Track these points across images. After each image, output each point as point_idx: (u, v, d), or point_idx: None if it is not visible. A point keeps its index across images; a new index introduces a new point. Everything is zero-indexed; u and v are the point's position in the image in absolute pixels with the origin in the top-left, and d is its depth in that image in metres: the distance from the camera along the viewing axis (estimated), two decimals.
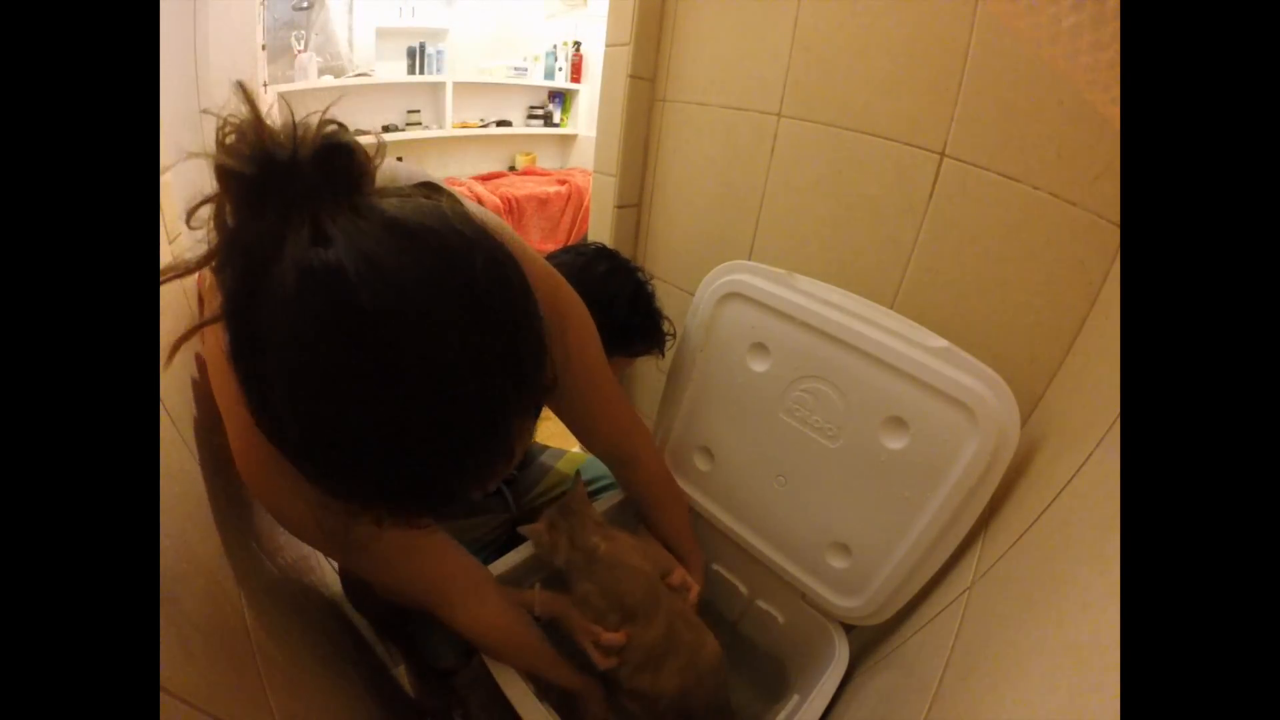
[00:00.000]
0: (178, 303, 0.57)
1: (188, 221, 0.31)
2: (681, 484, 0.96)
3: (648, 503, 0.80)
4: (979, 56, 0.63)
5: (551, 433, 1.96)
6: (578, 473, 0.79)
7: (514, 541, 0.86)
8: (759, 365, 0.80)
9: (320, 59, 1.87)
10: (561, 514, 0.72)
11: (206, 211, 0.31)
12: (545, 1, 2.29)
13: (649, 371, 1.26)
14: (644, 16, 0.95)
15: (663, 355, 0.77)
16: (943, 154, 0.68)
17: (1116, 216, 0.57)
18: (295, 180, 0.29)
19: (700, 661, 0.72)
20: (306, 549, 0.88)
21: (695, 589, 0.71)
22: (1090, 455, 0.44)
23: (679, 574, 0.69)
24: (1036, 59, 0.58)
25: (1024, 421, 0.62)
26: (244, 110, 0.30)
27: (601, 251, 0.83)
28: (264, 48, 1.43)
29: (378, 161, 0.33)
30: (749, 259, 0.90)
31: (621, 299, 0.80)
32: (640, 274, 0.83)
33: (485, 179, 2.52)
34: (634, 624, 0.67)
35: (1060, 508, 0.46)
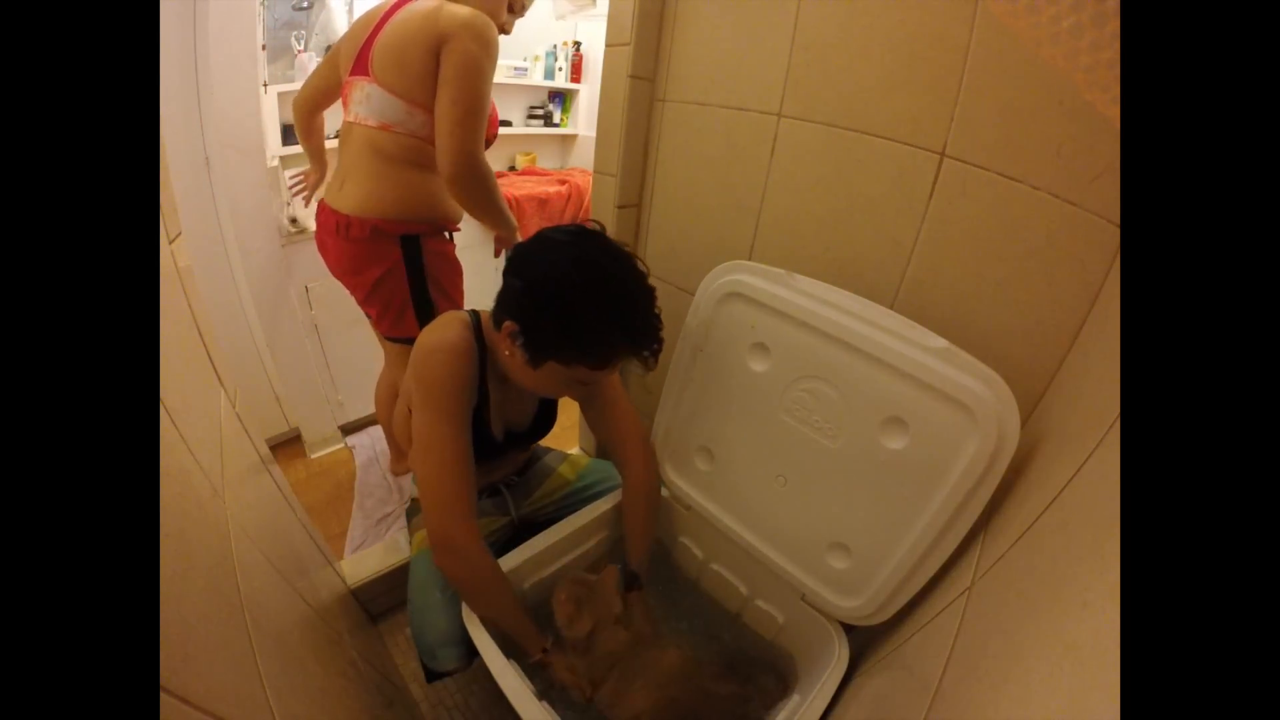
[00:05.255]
0: (178, 303, 0.57)
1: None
2: (681, 484, 0.96)
3: (626, 506, 0.93)
4: (979, 56, 0.63)
5: (552, 434, 1.96)
6: (619, 567, 0.86)
7: (514, 542, 0.87)
8: (759, 365, 0.80)
9: (320, 59, 1.87)
10: (589, 595, 0.82)
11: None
12: (555, 2, 2.28)
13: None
14: (644, 16, 0.95)
15: (654, 365, 0.73)
16: (943, 154, 0.68)
17: (1116, 216, 0.57)
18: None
19: (665, 671, 0.80)
20: (307, 549, 0.88)
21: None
22: (1090, 455, 0.44)
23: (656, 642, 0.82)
24: (1036, 59, 0.58)
25: (1024, 421, 0.62)
26: None
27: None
28: (264, 48, 1.42)
29: None
30: (749, 259, 0.90)
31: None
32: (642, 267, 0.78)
33: None
34: (594, 686, 0.78)
35: (1060, 508, 0.46)
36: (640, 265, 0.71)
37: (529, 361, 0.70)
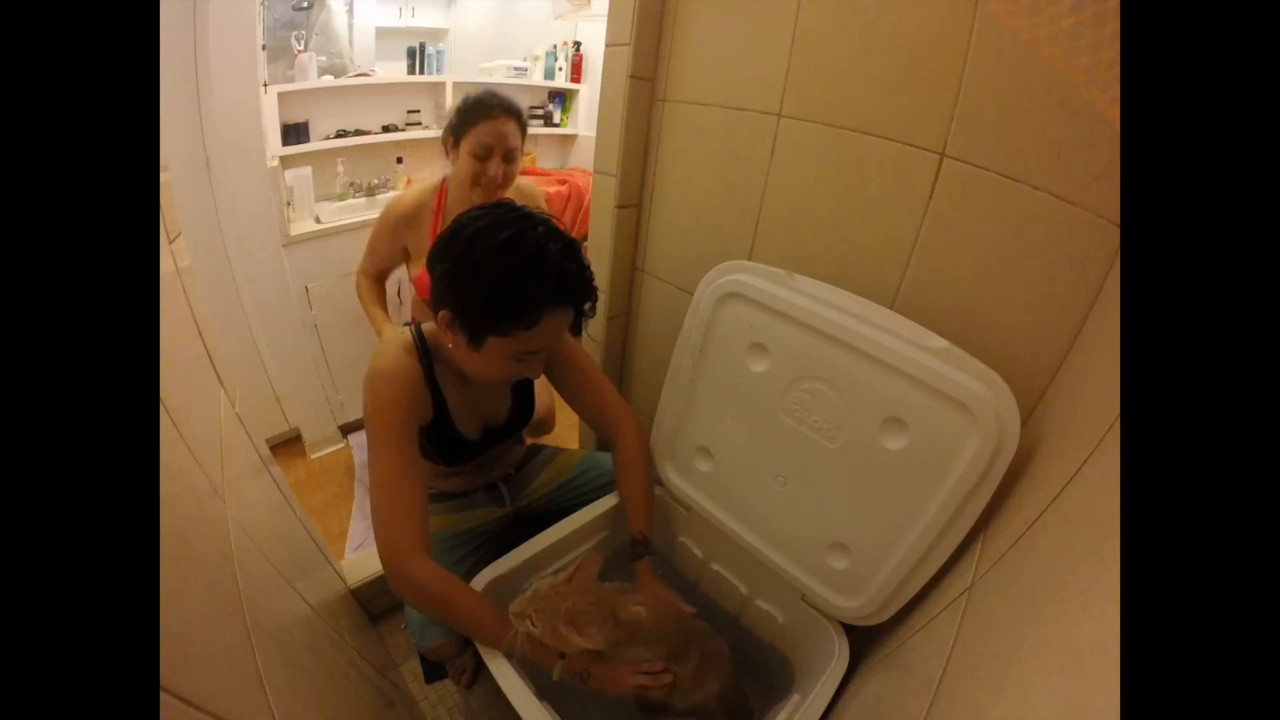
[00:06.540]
0: (178, 303, 0.57)
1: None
2: (681, 484, 0.96)
3: (623, 472, 0.92)
4: (979, 56, 0.63)
5: (552, 434, 1.95)
6: (593, 559, 0.77)
7: (511, 534, 0.87)
8: (758, 365, 0.80)
9: (320, 59, 1.87)
10: (584, 610, 0.69)
11: None
12: (554, 2, 2.29)
13: (649, 371, 1.26)
14: (644, 16, 0.95)
15: (592, 314, 0.74)
16: (943, 154, 0.68)
17: (1116, 216, 0.57)
18: None
19: (724, 659, 0.82)
20: (307, 549, 0.88)
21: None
22: (1090, 455, 0.44)
23: (686, 608, 0.82)
24: (1036, 59, 0.58)
25: (1024, 421, 0.62)
26: None
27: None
28: (264, 48, 1.43)
29: None
30: (749, 259, 0.90)
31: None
32: (560, 226, 0.74)
33: None
34: (674, 661, 0.75)
35: (1060, 508, 0.46)
36: (558, 224, 0.71)
37: (470, 344, 0.70)
